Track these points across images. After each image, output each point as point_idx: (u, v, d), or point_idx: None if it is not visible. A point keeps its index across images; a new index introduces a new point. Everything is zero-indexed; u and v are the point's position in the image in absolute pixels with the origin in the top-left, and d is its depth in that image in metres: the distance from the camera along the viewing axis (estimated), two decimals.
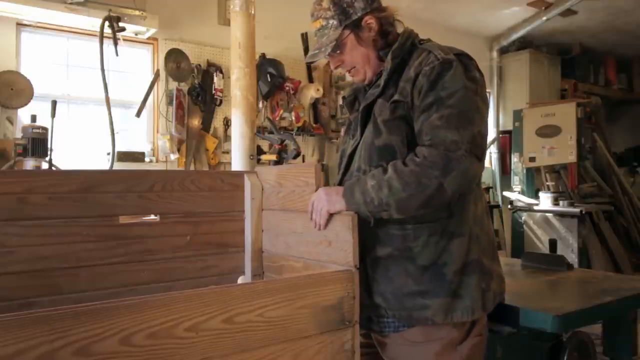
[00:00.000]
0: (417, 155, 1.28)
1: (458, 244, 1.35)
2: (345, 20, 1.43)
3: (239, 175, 1.70)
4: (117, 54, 3.41)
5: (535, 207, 5.20)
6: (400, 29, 1.49)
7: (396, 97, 1.37)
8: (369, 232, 1.36)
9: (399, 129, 1.36)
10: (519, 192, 5.56)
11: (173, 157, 4.01)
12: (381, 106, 1.40)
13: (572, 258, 4.68)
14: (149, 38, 3.92)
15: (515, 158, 5.67)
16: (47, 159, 3.04)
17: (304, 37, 4.73)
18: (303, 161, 4.35)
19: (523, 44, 6.35)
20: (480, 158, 1.30)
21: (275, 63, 4.38)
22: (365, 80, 1.51)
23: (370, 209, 1.31)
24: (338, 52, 1.46)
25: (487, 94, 1.43)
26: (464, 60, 1.36)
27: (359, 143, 1.45)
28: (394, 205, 1.28)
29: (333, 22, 1.43)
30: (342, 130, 1.68)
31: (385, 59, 1.43)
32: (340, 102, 4.95)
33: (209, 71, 4.20)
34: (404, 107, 1.35)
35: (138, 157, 3.91)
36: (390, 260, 1.35)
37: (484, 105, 1.35)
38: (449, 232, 1.35)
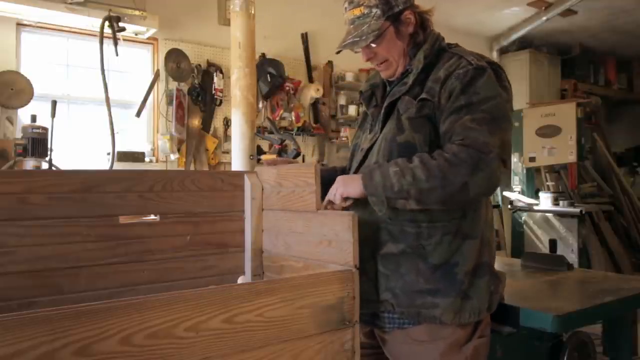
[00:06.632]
0: (446, 151, 1.27)
1: (470, 246, 1.35)
2: (388, 12, 1.40)
3: (239, 175, 1.70)
4: (117, 54, 3.41)
5: (535, 207, 5.20)
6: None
7: (424, 95, 1.36)
8: (383, 228, 1.37)
9: (423, 127, 1.35)
10: (519, 192, 5.56)
11: (173, 157, 4.01)
12: (407, 103, 1.39)
13: (572, 258, 4.68)
14: (149, 38, 3.92)
15: (515, 158, 5.67)
16: (47, 159, 3.04)
17: (304, 37, 4.73)
18: (303, 161, 4.34)
19: (523, 44, 6.35)
20: (506, 164, 1.30)
21: (275, 63, 4.38)
22: (393, 75, 1.48)
23: (388, 194, 1.28)
24: (375, 43, 1.43)
25: None
26: (496, 69, 1.38)
27: (377, 138, 1.44)
28: (414, 195, 1.26)
29: (376, 11, 1.40)
30: (357, 122, 1.66)
31: (414, 58, 1.43)
32: (341, 102, 4.95)
33: (209, 71, 4.20)
34: (430, 107, 1.35)
35: (138, 157, 3.91)
36: (402, 257, 1.35)
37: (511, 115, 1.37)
38: (463, 233, 1.35)
